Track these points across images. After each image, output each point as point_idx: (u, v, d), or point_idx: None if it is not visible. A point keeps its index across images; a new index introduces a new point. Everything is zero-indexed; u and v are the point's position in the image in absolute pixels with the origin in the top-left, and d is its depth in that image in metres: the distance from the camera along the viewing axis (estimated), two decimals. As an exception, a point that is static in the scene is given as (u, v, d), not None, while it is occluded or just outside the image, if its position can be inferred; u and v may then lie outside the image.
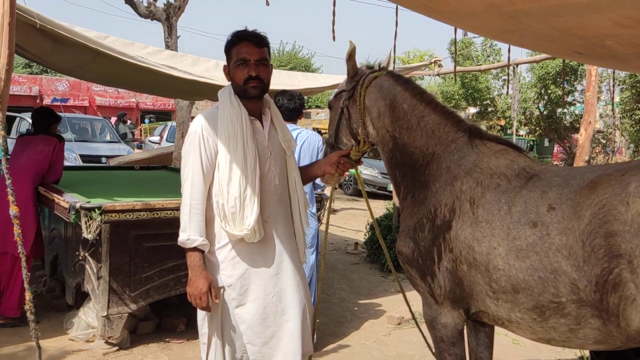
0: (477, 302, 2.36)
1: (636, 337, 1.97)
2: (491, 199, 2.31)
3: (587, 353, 3.65)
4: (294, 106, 4.36)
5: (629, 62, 2.74)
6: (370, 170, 14.33)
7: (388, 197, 12.01)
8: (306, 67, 32.00)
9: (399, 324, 5.03)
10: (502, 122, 26.91)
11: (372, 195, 13.78)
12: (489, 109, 25.50)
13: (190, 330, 4.42)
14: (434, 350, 2.66)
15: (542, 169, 2.34)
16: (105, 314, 3.99)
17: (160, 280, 4.19)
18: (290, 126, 4.23)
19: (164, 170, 7.36)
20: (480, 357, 2.73)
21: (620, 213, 1.89)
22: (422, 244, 2.48)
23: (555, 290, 2.04)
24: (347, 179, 14.97)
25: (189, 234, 2.40)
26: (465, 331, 2.61)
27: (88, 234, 3.81)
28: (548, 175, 2.27)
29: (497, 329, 3.82)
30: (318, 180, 4.36)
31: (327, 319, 5.08)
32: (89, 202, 3.90)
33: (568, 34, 2.16)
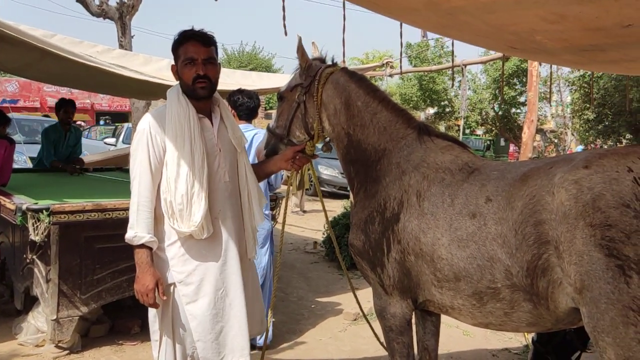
0: (424, 291, 2.44)
1: (565, 319, 2.09)
2: (436, 192, 2.40)
3: (531, 342, 3.80)
4: (253, 105, 4.32)
5: (559, 56, 2.89)
6: (330, 170, 14.42)
7: (348, 197, 12.14)
8: (267, 68, 31.94)
9: (354, 320, 5.10)
10: (460, 123, 27.50)
11: (332, 195, 13.88)
12: (447, 110, 26.03)
13: (145, 332, 4.35)
14: (384, 339, 2.73)
15: (483, 164, 2.45)
16: (54, 317, 3.91)
17: (113, 282, 4.13)
18: (246, 126, 4.25)
19: (119, 171, 7.23)
20: (427, 345, 2.82)
21: (548, 203, 2.01)
22: (372, 236, 2.56)
23: (492, 277, 2.14)
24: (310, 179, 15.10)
25: (136, 231, 2.41)
26: (413, 320, 2.69)
27: (36, 236, 3.73)
28: (488, 169, 2.38)
29: (450, 321, 3.94)
30: (272, 180, 4.39)
31: (285, 317, 5.11)
32: (36, 203, 3.82)
33: (501, 30, 2.27)
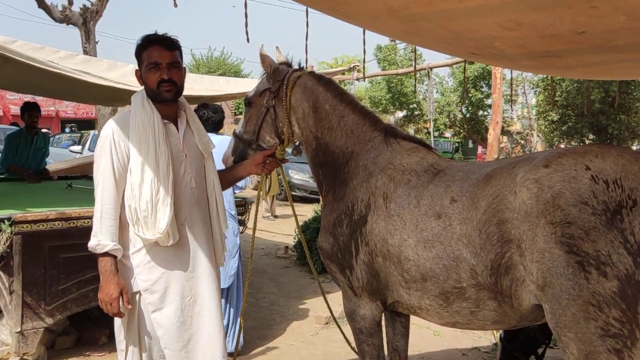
0: (392, 292, 2.46)
1: (528, 316, 2.13)
2: (402, 194, 2.43)
3: (499, 339, 3.87)
4: (219, 119, 4.49)
5: (518, 62, 2.97)
6: (301, 175, 14.44)
7: (319, 201, 12.15)
8: (235, 73, 31.80)
9: (326, 323, 5.10)
10: (428, 125, 27.83)
11: (303, 200, 13.89)
12: (416, 113, 26.33)
13: (113, 342, 4.17)
14: (354, 341, 2.73)
15: (448, 165, 2.49)
16: (19, 329, 3.80)
17: (79, 292, 4.04)
18: (212, 136, 4.26)
19: (84, 179, 7.09)
20: (397, 346, 2.84)
21: (510, 202, 2.04)
22: (340, 238, 2.57)
23: (457, 277, 2.17)
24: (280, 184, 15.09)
25: (99, 238, 2.36)
26: (383, 322, 2.71)
27: (-3, 247, 3.63)
28: (453, 170, 2.42)
29: (420, 322, 3.96)
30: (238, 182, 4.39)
31: (256, 323, 5.08)
32: (-3, 213, 3.72)
33: (461, 36, 2.32)
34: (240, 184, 4.40)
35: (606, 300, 1.81)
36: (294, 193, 14.12)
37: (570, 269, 1.86)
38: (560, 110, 18.79)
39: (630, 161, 1.90)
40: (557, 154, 2.06)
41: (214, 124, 4.46)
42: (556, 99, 17.63)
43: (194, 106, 3.94)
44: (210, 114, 4.44)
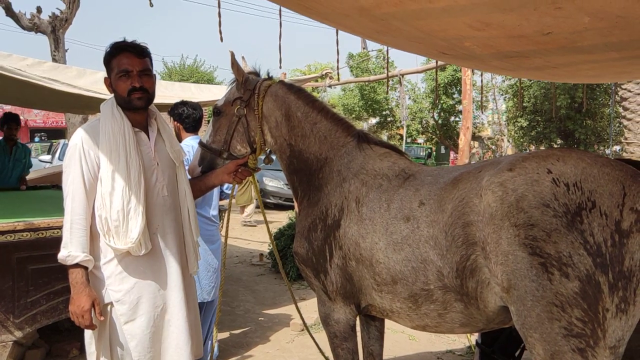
0: (366, 296, 2.49)
1: (495, 318, 2.17)
2: (374, 198, 2.47)
3: (474, 341, 3.92)
4: (199, 116, 4.31)
5: (488, 62, 3.03)
6: (275, 182, 14.42)
7: (294, 208, 12.15)
8: (209, 81, 31.65)
9: (302, 330, 5.09)
10: (402, 132, 28.14)
11: (278, 207, 13.87)
12: (389, 119, 26.59)
13: (84, 355, 4.13)
14: (329, 346, 2.74)
15: (418, 170, 2.54)
16: (-14, 344, 3.72)
17: (49, 304, 3.96)
18: (195, 138, 4.21)
19: (54, 189, 6.96)
20: (371, 350, 2.86)
21: (475, 205, 2.09)
22: (315, 243, 2.59)
23: (425, 279, 2.21)
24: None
25: (69, 250, 2.33)
26: (358, 327, 2.73)
27: (-37, 259, 3.54)
28: (422, 174, 2.47)
29: (396, 327, 3.99)
30: (225, 188, 4.35)
31: (231, 331, 5.05)
32: (-37, 224, 3.63)
33: (431, 36, 2.37)
34: (229, 190, 4.36)
35: (568, 300, 1.85)
36: (268, 200, 14.10)
37: (533, 271, 1.90)
38: (529, 116, 19.21)
39: (590, 164, 1.96)
40: (521, 158, 2.11)
41: (194, 121, 4.26)
42: (525, 105, 18.01)
43: (164, 113, 3.90)
44: (190, 110, 4.24)
